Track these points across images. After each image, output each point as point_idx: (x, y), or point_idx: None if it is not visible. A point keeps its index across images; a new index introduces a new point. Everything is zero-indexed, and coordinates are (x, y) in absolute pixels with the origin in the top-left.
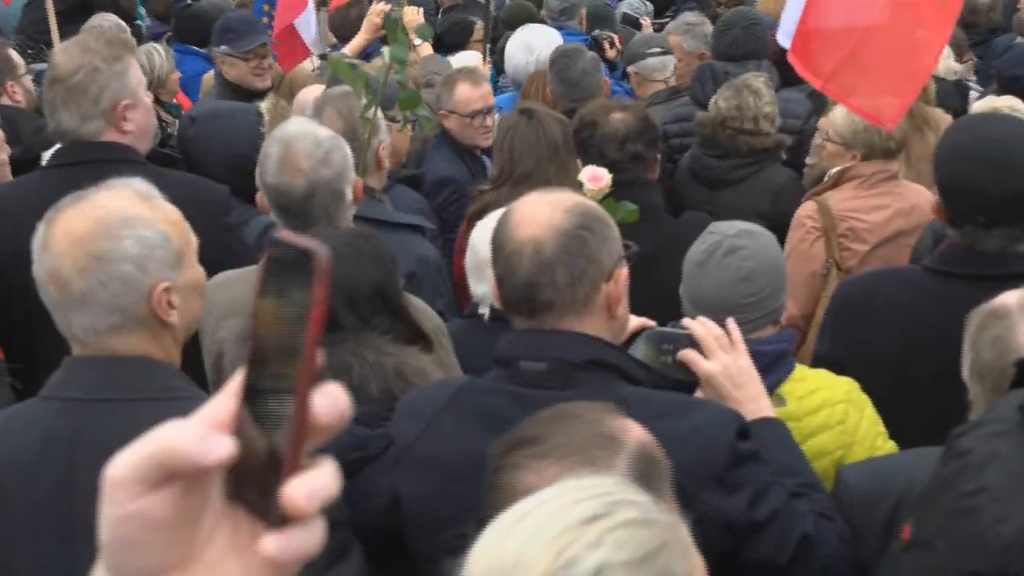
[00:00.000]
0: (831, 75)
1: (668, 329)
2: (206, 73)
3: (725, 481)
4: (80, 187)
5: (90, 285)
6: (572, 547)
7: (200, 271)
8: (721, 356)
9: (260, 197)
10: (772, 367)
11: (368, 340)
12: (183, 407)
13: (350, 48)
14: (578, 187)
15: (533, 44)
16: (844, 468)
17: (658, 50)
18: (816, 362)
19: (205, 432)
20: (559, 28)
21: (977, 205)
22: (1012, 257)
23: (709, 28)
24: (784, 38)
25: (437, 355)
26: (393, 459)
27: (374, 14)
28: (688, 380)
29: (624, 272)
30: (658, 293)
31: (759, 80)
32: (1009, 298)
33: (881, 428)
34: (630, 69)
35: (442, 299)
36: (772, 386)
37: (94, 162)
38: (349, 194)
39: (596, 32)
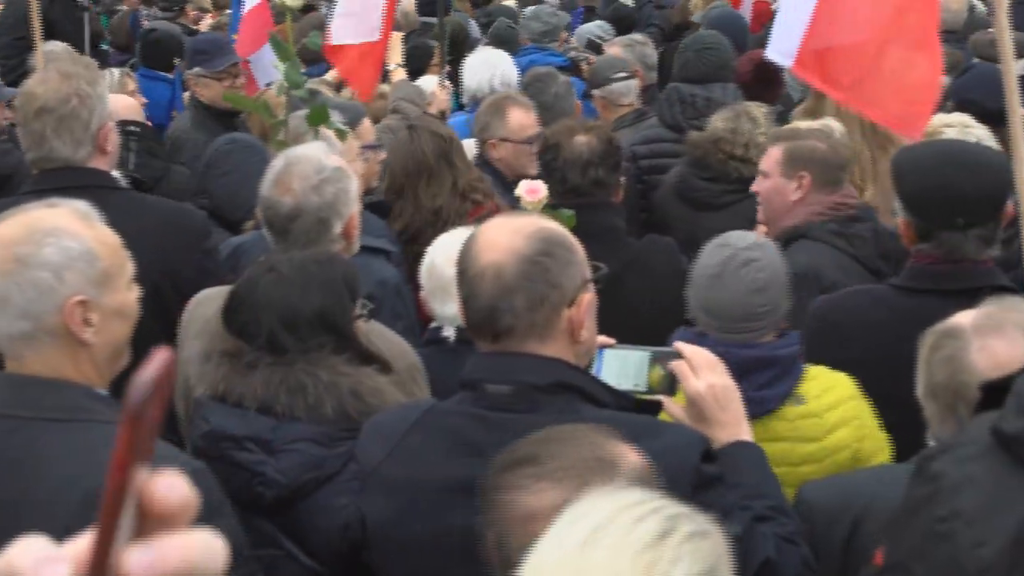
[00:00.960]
0: (851, 86)
1: (643, 350)
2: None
3: (690, 504)
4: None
5: (7, 287)
6: (659, 564)
7: (131, 299)
8: (709, 376)
9: (259, 210)
10: (790, 369)
11: (322, 360)
12: (98, 431)
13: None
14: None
15: (493, 61)
16: (804, 486)
17: (623, 75)
18: None
19: (47, 561)
20: (540, 50)
21: (955, 208)
22: (981, 271)
23: (650, 51)
24: (780, 56)
25: (409, 389)
26: (353, 480)
27: None
28: (654, 400)
29: (589, 296)
30: (621, 314)
31: (760, 110)
32: (963, 318)
33: (877, 420)
34: (595, 93)
35: (401, 321)
36: (792, 387)
37: (83, 188)
38: (337, 227)
39: (574, 54)
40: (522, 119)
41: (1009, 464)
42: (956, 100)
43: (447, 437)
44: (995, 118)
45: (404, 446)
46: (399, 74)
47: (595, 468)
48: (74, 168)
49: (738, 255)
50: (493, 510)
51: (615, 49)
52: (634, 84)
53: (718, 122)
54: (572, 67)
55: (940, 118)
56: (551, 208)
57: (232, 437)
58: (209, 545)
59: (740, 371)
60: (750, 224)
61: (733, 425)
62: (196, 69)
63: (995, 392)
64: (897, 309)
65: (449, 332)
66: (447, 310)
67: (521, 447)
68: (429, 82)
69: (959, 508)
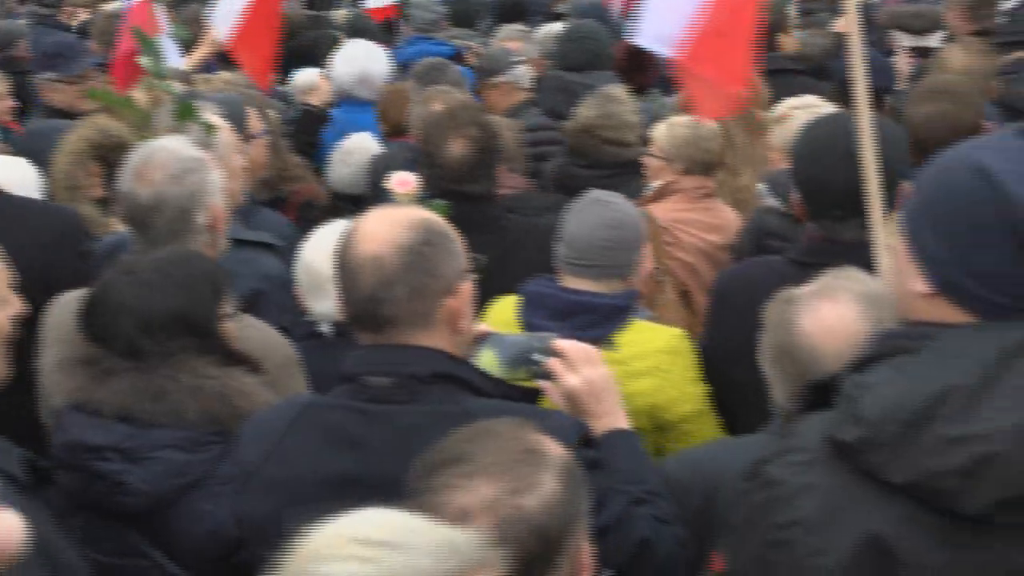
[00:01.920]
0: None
1: (522, 337)
2: None
3: None
4: None
5: None
6: None
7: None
8: (585, 370)
9: (118, 204)
10: (611, 317)
11: (183, 363)
12: None
13: (189, 62)
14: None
15: (354, 56)
16: (667, 459)
17: (521, 58)
18: (702, 356)
19: None
20: (426, 39)
21: (833, 200)
22: (860, 252)
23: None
24: (653, 43)
25: (284, 384)
26: (223, 484)
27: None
28: (533, 388)
29: (468, 286)
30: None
31: (620, 90)
32: (806, 286)
33: (693, 374)
34: (500, 79)
35: (288, 315)
36: (607, 333)
37: None
38: (200, 219)
39: (459, 43)
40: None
41: (847, 472)
42: (837, 80)
43: (327, 432)
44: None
45: (284, 445)
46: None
47: (524, 460)
48: None
49: (599, 198)
50: (423, 511)
51: (514, 43)
52: (528, 70)
53: (586, 110)
54: (457, 56)
55: (789, 101)
56: (423, 199)
57: (91, 447)
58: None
59: (563, 313)
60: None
61: (609, 415)
62: (49, 74)
63: (821, 391)
64: (789, 280)
65: (325, 328)
66: (322, 307)
67: (446, 447)
68: (309, 74)
69: (798, 516)
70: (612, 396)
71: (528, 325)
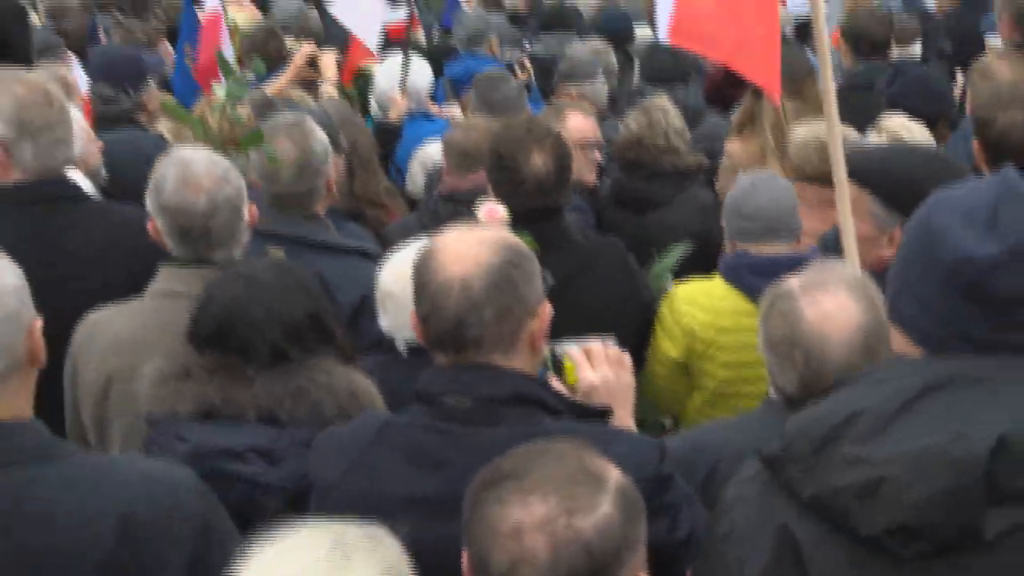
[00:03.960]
0: (731, 49)
1: (556, 346)
2: None
3: (650, 508)
4: (47, 224)
5: None
6: None
7: None
8: (605, 369)
9: (152, 224)
10: None
11: (318, 364)
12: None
13: (273, 88)
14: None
15: (393, 71)
16: (671, 439)
17: (601, 79)
18: None
19: None
20: (472, 56)
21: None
22: None
23: (612, 58)
24: (664, 35)
25: None
26: (306, 499)
27: (300, 56)
28: (604, 408)
29: (548, 307)
30: (576, 315)
31: (662, 99)
32: (792, 280)
33: None
34: (574, 89)
35: None
36: None
37: (59, 198)
38: (246, 214)
39: (508, 56)
40: (580, 123)
41: (775, 487)
42: (892, 107)
43: (409, 452)
44: (929, 124)
45: (364, 461)
46: (330, 91)
47: (582, 481)
48: (53, 180)
49: (759, 176)
50: (477, 525)
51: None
52: (605, 89)
53: (634, 122)
54: (508, 71)
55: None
56: (516, 228)
57: (230, 451)
58: None
59: (789, 269)
60: (702, 213)
61: (621, 419)
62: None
63: None
64: None
65: (401, 344)
66: (384, 322)
67: (505, 462)
68: (387, 88)
69: (730, 527)
70: (626, 402)
71: (752, 289)
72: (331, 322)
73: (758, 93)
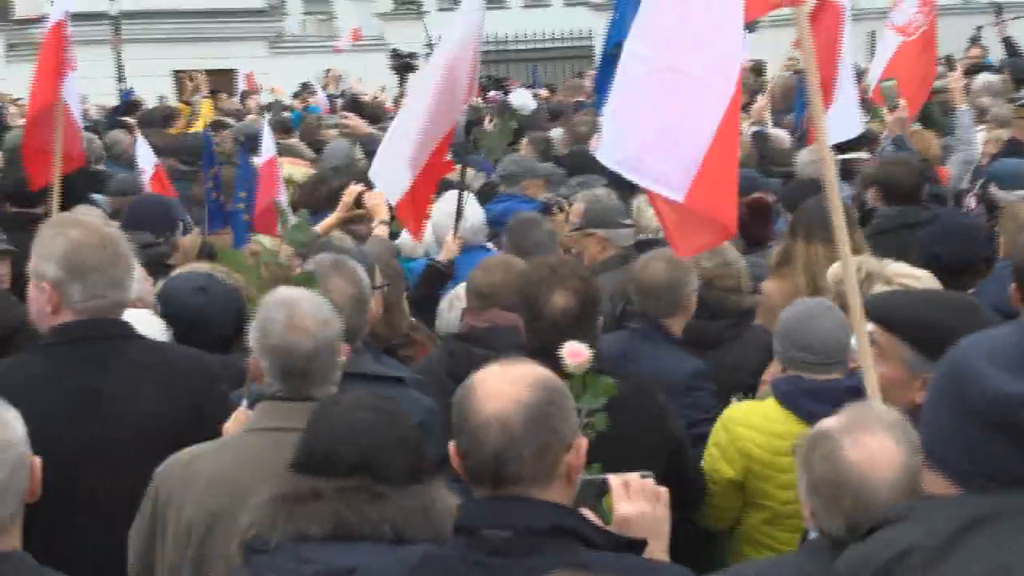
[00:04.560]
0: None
1: (592, 477)
2: None
3: None
4: (98, 365)
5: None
6: None
7: None
8: (642, 503)
9: (254, 362)
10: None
11: (433, 484)
12: None
13: (321, 227)
14: None
15: (448, 210)
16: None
17: (628, 221)
18: None
19: None
20: (512, 196)
21: None
22: None
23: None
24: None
25: None
26: None
27: (348, 195)
28: (639, 540)
29: (583, 441)
30: (620, 442)
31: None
32: (829, 421)
33: None
34: (600, 232)
35: (445, 442)
36: None
37: (107, 337)
38: (342, 354)
39: (547, 197)
40: None
41: None
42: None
43: None
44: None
45: None
46: (381, 230)
47: None
48: (112, 320)
49: (813, 304)
50: None
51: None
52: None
53: (704, 262)
54: (545, 210)
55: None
56: (595, 374)
57: (350, 570)
58: None
59: (841, 395)
60: (762, 352)
61: (655, 552)
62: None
63: None
64: None
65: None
66: None
67: None
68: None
69: None
70: (661, 535)
71: (811, 414)
72: (422, 444)
73: (794, 233)
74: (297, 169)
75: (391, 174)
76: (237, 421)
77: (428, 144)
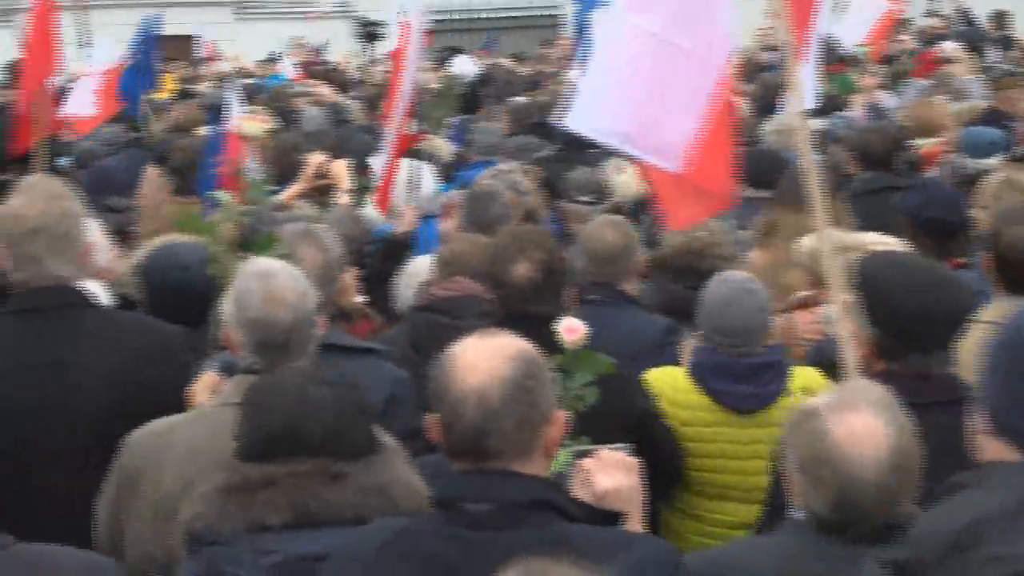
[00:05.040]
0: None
1: (583, 448)
2: None
3: None
4: (52, 334)
5: None
6: None
7: None
8: (618, 476)
9: (227, 332)
10: (783, 369)
11: (389, 457)
12: None
13: (286, 196)
14: None
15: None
16: (690, 556)
17: (587, 199)
18: None
19: None
20: (488, 164)
21: (929, 332)
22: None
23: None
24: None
25: None
26: None
27: (310, 165)
28: (617, 512)
29: (562, 414)
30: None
31: None
32: (817, 400)
33: None
34: (565, 205)
35: (421, 415)
36: (785, 383)
37: (63, 306)
38: (318, 326)
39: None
40: None
41: None
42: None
43: (424, 561)
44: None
45: (380, 571)
46: (344, 200)
47: None
48: (63, 287)
49: (738, 283)
50: None
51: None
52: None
53: (698, 231)
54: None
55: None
56: (590, 350)
57: (318, 556)
58: None
59: (747, 372)
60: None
61: (632, 524)
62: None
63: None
64: None
65: None
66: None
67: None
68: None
69: None
70: (637, 507)
71: (712, 391)
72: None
73: (778, 204)
74: (253, 125)
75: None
76: (205, 385)
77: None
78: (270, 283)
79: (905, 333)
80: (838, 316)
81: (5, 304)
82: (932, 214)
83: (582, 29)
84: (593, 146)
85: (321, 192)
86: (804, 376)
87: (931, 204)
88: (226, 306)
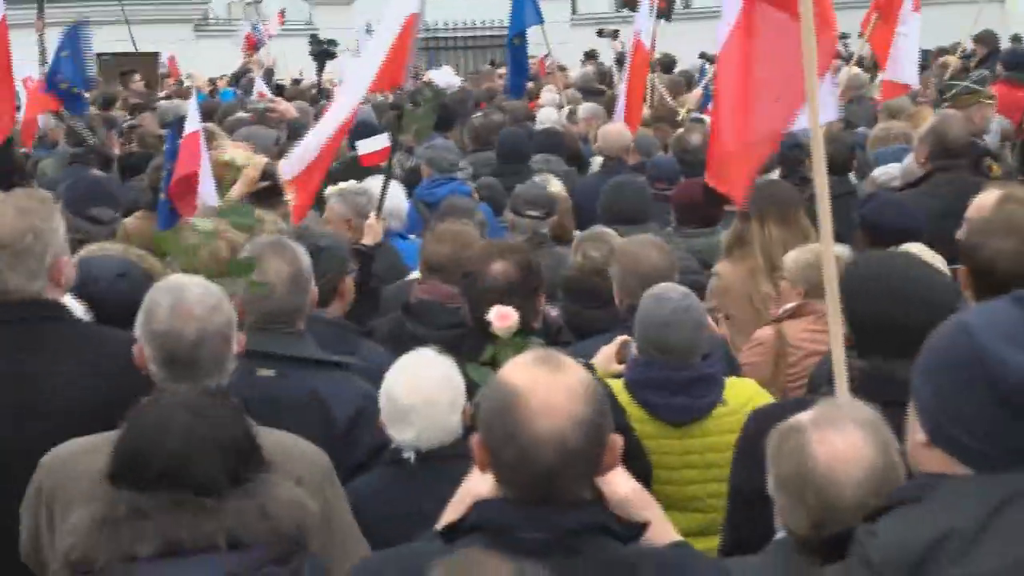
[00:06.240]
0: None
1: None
2: None
3: None
4: (15, 347)
5: None
6: None
7: None
8: (632, 482)
9: (139, 350)
10: (718, 380)
11: (265, 480)
12: None
13: (227, 199)
14: None
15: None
16: None
17: (535, 213)
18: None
19: None
20: (453, 179)
21: (891, 338)
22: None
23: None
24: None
25: (324, 494)
26: None
27: (252, 168)
28: (645, 522)
29: (617, 438)
30: None
31: (610, 230)
32: (802, 416)
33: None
34: (515, 218)
35: (380, 430)
36: (720, 395)
37: (28, 319)
38: (235, 345)
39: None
40: None
41: None
42: (873, 230)
43: None
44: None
45: None
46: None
47: None
48: (27, 301)
49: (678, 303)
50: None
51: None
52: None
53: (593, 252)
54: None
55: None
56: (523, 335)
57: None
58: None
59: (683, 386)
60: None
61: (661, 522)
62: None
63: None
64: None
65: (409, 454)
66: (405, 436)
67: None
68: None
69: None
70: (652, 506)
71: (651, 404)
72: (256, 442)
73: (746, 216)
74: (239, 152)
75: (297, 153)
76: None
77: (327, 129)
78: (179, 296)
79: (864, 336)
80: (833, 334)
81: None
82: (881, 220)
83: (513, 52)
84: (526, 159)
85: (268, 197)
86: (739, 387)
87: (882, 210)
88: (137, 320)
